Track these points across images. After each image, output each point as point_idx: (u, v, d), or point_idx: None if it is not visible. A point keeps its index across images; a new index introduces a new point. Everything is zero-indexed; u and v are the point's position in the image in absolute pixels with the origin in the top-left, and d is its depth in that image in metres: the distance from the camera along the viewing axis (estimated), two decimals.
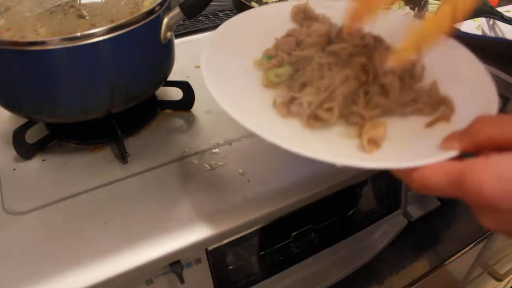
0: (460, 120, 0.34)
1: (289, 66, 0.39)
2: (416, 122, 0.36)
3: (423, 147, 0.31)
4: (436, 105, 0.36)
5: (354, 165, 0.29)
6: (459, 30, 0.50)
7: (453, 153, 0.28)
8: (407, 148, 0.33)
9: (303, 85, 0.37)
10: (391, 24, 0.43)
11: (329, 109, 0.35)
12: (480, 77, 0.37)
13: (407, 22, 0.44)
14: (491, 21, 0.75)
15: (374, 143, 0.33)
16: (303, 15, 0.46)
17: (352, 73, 0.36)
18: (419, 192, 0.29)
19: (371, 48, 0.40)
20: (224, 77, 0.37)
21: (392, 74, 0.37)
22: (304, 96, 0.36)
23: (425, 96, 0.37)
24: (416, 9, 0.70)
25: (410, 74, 0.39)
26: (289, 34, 0.43)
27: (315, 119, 0.35)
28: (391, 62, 0.36)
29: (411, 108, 0.37)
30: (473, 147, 0.27)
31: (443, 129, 0.33)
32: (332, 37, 0.41)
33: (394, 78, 0.37)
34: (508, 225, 0.25)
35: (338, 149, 0.34)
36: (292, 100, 0.37)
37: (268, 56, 0.42)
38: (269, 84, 0.39)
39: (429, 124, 0.35)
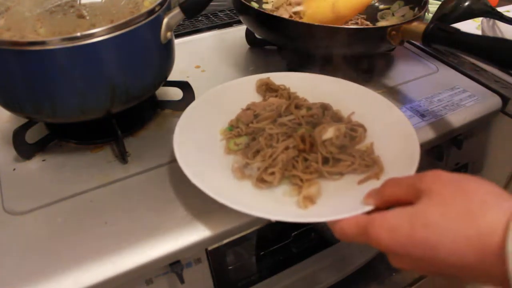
0: (389, 176, 0.40)
1: (246, 137, 0.48)
2: (350, 179, 0.43)
3: (351, 203, 0.37)
4: (369, 166, 0.43)
5: (286, 220, 0.37)
6: (459, 30, 0.50)
7: (367, 208, 0.35)
8: (338, 203, 0.39)
9: (256, 152, 0.45)
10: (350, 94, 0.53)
11: (272, 173, 0.42)
12: (409, 138, 0.45)
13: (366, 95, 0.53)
14: (491, 21, 0.75)
15: (309, 200, 0.40)
16: (265, 87, 0.55)
17: (292, 143, 0.44)
18: (341, 240, 0.36)
19: (317, 117, 0.48)
20: (194, 144, 0.46)
21: (331, 144, 0.44)
22: (254, 162, 0.44)
23: (361, 158, 0.44)
24: (416, 9, 0.70)
25: (351, 137, 0.47)
26: (248, 108, 0.51)
27: (262, 182, 0.43)
28: (330, 133, 0.45)
29: (347, 170, 0.44)
30: (382, 202, 0.35)
31: (372, 185, 0.40)
32: (282, 111, 0.49)
33: (332, 149, 0.44)
34: (407, 264, 0.32)
35: (279, 206, 0.41)
36: (246, 165, 0.44)
37: (230, 127, 0.50)
38: (230, 151, 0.47)
39: (361, 182, 0.42)
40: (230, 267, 0.48)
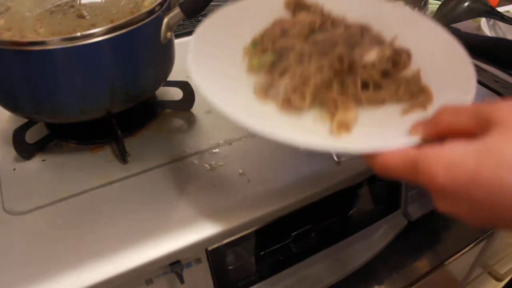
0: (437, 107, 0.34)
1: (272, 54, 0.40)
2: (393, 109, 0.36)
3: (392, 134, 0.32)
4: (416, 95, 0.37)
5: (316, 147, 0.30)
6: (459, 30, 0.50)
7: (414, 140, 0.30)
8: (377, 134, 0.33)
9: (283, 72, 0.38)
10: (390, 15, 0.44)
11: (302, 95, 0.36)
12: (462, 65, 0.38)
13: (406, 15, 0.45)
14: (491, 21, 0.75)
15: (344, 127, 0.34)
16: (295, 4, 0.46)
17: (327, 63, 0.37)
18: (382, 176, 0.30)
19: (356, 37, 0.41)
20: (212, 63, 0.38)
21: (372, 67, 0.37)
22: (280, 81, 0.37)
23: (406, 86, 0.37)
24: (416, 9, 0.70)
25: (394, 63, 0.39)
26: (275, 23, 0.44)
27: (289, 104, 0.36)
28: (373, 55, 0.37)
29: (389, 98, 0.37)
30: (435, 134, 0.29)
31: (418, 117, 0.34)
32: (315, 28, 0.42)
33: (374, 74, 0.37)
34: (459, 209, 0.27)
35: (307, 133, 0.34)
36: (270, 85, 0.38)
37: (254, 43, 0.43)
38: (252, 70, 0.40)
39: (405, 112, 0.36)
40: (230, 267, 0.48)
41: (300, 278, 0.54)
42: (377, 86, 0.37)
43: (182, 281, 0.44)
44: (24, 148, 0.51)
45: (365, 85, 0.37)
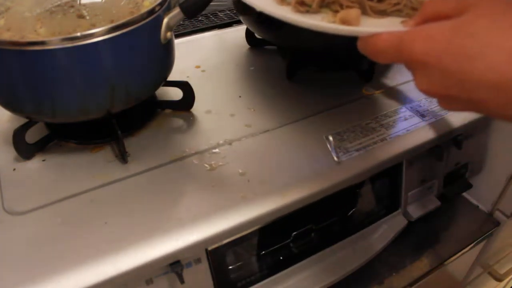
0: None
1: None
2: (393, 20, 0.40)
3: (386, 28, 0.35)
4: (416, 9, 0.40)
5: (317, 29, 0.37)
6: None
7: (403, 28, 0.32)
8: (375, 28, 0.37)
9: None
10: None
11: None
12: None
13: None
14: None
15: (346, 22, 0.38)
16: None
17: None
18: (372, 58, 0.34)
19: None
20: None
21: None
22: None
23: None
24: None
25: None
26: None
27: (301, 4, 0.41)
28: None
29: (391, 9, 0.40)
30: (422, 20, 0.32)
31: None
32: None
33: None
34: (435, 84, 0.29)
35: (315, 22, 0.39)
36: None
37: None
38: None
39: (404, 22, 0.38)
40: (230, 267, 0.48)
41: (300, 278, 0.54)
42: None
43: (182, 281, 0.44)
44: (24, 148, 0.51)
45: None
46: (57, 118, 0.48)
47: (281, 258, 0.52)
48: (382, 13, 0.41)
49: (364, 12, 0.40)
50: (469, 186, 0.69)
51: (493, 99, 0.27)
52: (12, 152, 0.51)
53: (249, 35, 0.74)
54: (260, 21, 0.63)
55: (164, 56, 0.53)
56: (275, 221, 0.47)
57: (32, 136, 0.51)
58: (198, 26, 0.84)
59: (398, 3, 0.40)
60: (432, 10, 0.31)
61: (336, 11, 0.40)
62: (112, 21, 0.45)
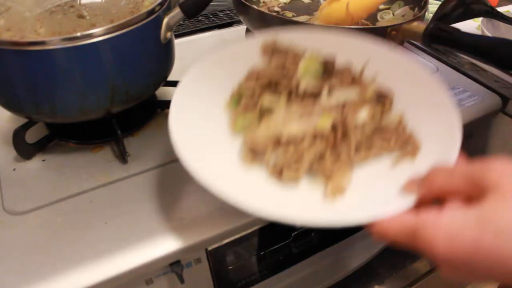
0: (425, 155, 0.35)
1: (254, 114, 0.39)
2: (383, 161, 0.36)
3: (387, 193, 0.31)
4: (404, 145, 0.37)
5: (313, 225, 0.30)
6: (459, 30, 0.50)
7: (410, 201, 0.30)
8: (372, 194, 0.33)
9: (270, 132, 0.37)
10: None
11: (295, 171, 0.35)
12: (444, 105, 0.37)
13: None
14: (491, 21, 0.74)
15: (339, 190, 0.33)
16: (272, 50, 0.45)
17: (320, 134, 0.36)
18: (380, 241, 0.30)
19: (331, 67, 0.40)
20: (194, 122, 0.37)
21: (362, 128, 0.37)
22: (270, 153, 0.36)
23: (395, 136, 0.37)
24: (416, 9, 0.70)
25: (381, 105, 0.39)
26: (250, 75, 0.43)
27: (280, 175, 0.35)
28: (364, 114, 0.37)
29: (382, 153, 0.37)
30: (429, 194, 0.30)
31: (406, 168, 0.34)
32: (277, 79, 0.40)
33: (365, 133, 0.36)
34: (462, 274, 0.27)
35: (300, 203, 0.33)
36: (258, 153, 0.36)
37: (234, 100, 0.41)
38: (237, 130, 0.39)
39: (395, 163, 0.36)
40: (230, 267, 0.48)
41: (300, 278, 0.54)
42: (369, 144, 0.37)
43: (182, 281, 0.44)
44: (24, 148, 0.51)
45: (357, 146, 0.37)
46: (57, 118, 0.48)
47: (281, 258, 0.52)
48: (372, 159, 0.37)
49: (352, 165, 0.36)
50: None
51: None
52: (12, 152, 0.51)
53: (249, 35, 0.74)
54: (260, 21, 0.63)
55: (164, 56, 0.53)
56: (275, 221, 0.47)
57: (32, 136, 0.51)
58: (198, 26, 0.84)
59: (387, 145, 0.37)
60: (441, 184, 0.29)
61: (323, 177, 0.35)
62: (112, 21, 0.45)
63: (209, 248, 0.45)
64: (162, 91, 0.62)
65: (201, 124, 0.38)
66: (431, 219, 0.27)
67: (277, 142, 0.36)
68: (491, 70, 0.68)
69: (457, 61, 0.71)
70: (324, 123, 0.36)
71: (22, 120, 0.51)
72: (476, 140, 0.66)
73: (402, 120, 0.38)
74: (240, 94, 0.41)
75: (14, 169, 0.50)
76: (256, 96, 0.40)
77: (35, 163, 0.51)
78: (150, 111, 0.58)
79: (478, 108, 0.60)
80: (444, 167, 0.31)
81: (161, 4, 0.48)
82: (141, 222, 0.43)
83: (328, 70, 0.42)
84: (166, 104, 0.59)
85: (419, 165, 0.33)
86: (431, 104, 0.38)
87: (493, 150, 0.68)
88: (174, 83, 0.58)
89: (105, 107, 0.48)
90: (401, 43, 0.59)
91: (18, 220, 0.44)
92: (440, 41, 0.52)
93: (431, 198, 0.30)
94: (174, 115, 0.37)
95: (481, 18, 0.74)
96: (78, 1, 0.48)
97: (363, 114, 0.37)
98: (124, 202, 0.45)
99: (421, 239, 0.26)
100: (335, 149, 0.36)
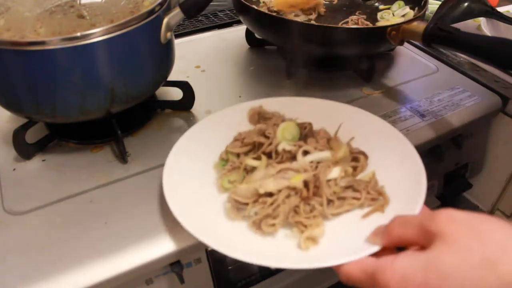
0: (394, 208, 0.39)
1: (240, 173, 0.44)
2: (354, 212, 0.41)
3: (356, 241, 0.36)
4: (375, 199, 0.41)
5: (287, 267, 0.35)
6: (459, 30, 0.50)
7: (374, 249, 0.34)
8: (342, 242, 0.37)
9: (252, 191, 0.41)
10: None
11: (272, 224, 0.39)
12: (412, 163, 0.43)
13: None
14: (491, 21, 0.75)
15: (312, 240, 0.38)
16: (258, 116, 0.52)
17: (294, 191, 0.41)
18: (345, 283, 0.34)
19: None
20: (185, 182, 0.43)
21: (335, 184, 0.42)
22: (251, 207, 0.40)
23: (365, 192, 0.41)
24: (416, 9, 0.70)
25: (353, 167, 0.44)
26: (236, 139, 0.48)
27: (259, 229, 0.39)
28: (336, 173, 0.42)
29: (353, 207, 0.41)
30: (389, 243, 0.33)
31: (377, 218, 0.39)
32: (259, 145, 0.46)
33: (337, 189, 0.41)
34: None
35: (277, 250, 0.38)
36: (240, 208, 0.41)
37: (222, 162, 0.47)
38: (223, 189, 0.44)
39: (365, 216, 0.40)
40: (230, 267, 0.48)
41: (300, 278, 0.54)
42: (341, 199, 0.41)
43: (182, 281, 0.44)
44: (24, 148, 0.51)
45: (329, 201, 0.41)
46: (57, 118, 0.48)
47: None
48: (343, 213, 0.41)
49: (326, 218, 0.40)
50: (469, 186, 0.69)
51: None
52: (12, 152, 0.51)
53: (249, 35, 0.74)
54: (260, 21, 0.63)
55: (164, 56, 0.53)
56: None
57: (32, 136, 0.51)
58: (198, 26, 0.84)
59: (358, 200, 0.41)
60: (398, 233, 0.33)
61: (298, 227, 0.39)
62: (112, 21, 0.45)
63: (209, 248, 0.45)
64: (162, 91, 0.62)
65: (192, 183, 0.44)
66: (388, 264, 0.30)
67: (257, 197, 0.41)
68: (491, 70, 0.68)
69: (457, 61, 0.71)
70: (297, 179, 0.41)
71: (22, 120, 0.51)
72: (476, 140, 0.66)
73: (373, 177, 0.43)
74: (227, 157, 0.47)
75: (14, 169, 0.50)
76: (241, 157, 0.46)
77: (35, 163, 0.51)
78: (150, 111, 0.59)
79: (478, 108, 0.61)
80: (402, 217, 0.34)
81: (161, 4, 0.48)
82: (141, 222, 0.43)
83: (304, 133, 0.48)
84: (166, 104, 0.60)
85: (387, 217, 0.36)
86: (401, 161, 0.44)
87: (493, 150, 0.68)
88: (174, 83, 0.58)
89: (105, 107, 0.48)
90: (400, 43, 0.59)
91: (18, 220, 0.44)
92: (440, 41, 0.52)
93: (392, 245, 0.33)
94: (168, 174, 0.43)
95: (481, 18, 0.74)
96: (78, 1, 0.48)
97: (335, 172, 0.42)
98: (124, 202, 0.45)
99: (379, 281, 0.30)
100: (309, 203, 0.40)
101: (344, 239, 0.38)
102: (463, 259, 0.27)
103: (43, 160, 0.51)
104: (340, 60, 0.68)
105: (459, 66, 0.70)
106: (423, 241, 0.30)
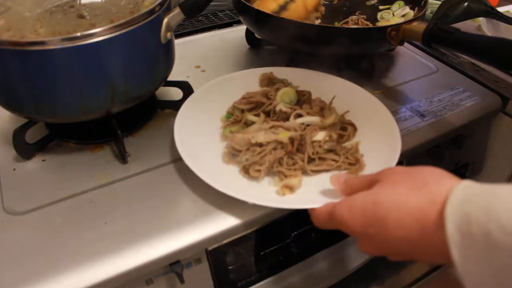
0: (367, 173, 0.45)
1: (241, 126, 0.52)
2: (332, 173, 0.47)
3: (324, 194, 0.43)
4: (352, 164, 0.47)
5: (260, 204, 0.42)
6: (459, 30, 0.50)
7: (336, 200, 0.39)
8: (315, 194, 0.44)
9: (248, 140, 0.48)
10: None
11: (258, 170, 0.46)
12: (393, 140, 0.48)
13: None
14: (491, 21, 0.75)
15: (289, 188, 0.44)
16: (267, 81, 0.59)
17: (280, 144, 0.47)
18: (316, 226, 0.40)
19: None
20: (194, 130, 0.50)
21: (318, 145, 0.48)
22: (243, 154, 0.47)
23: (344, 157, 0.47)
24: (416, 9, 0.70)
25: (340, 135, 0.51)
26: (243, 97, 0.56)
27: (247, 173, 0.46)
28: (321, 136, 0.48)
29: (330, 168, 0.47)
30: (350, 192, 0.39)
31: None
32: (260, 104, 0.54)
33: (319, 150, 0.48)
34: (370, 246, 0.35)
35: (259, 192, 0.45)
36: (235, 153, 0.48)
37: (228, 115, 0.55)
38: (224, 137, 0.52)
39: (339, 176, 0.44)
40: (230, 267, 0.48)
41: (300, 278, 0.54)
42: (321, 159, 0.48)
43: (182, 281, 0.44)
44: (24, 148, 0.51)
45: (311, 159, 0.47)
46: (57, 118, 0.48)
47: (281, 258, 0.52)
48: (322, 171, 0.47)
49: (306, 173, 0.47)
50: None
51: (411, 253, 0.32)
52: (12, 152, 0.51)
53: (249, 35, 0.74)
54: (260, 21, 0.63)
55: (164, 56, 0.53)
56: (275, 221, 0.47)
57: (32, 136, 0.51)
58: (198, 26, 0.84)
59: (336, 162, 0.47)
60: (354, 184, 0.40)
61: (280, 176, 0.46)
62: (112, 21, 0.45)
63: (209, 248, 0.45)
64: (162, 91, 0.62)
65: (200, 131, 0.51)
66: (343, 200, 0.37)
67: (249, 146, 0.48)
68: (491, 70, 0.68)
69: (457, 61, 0.71)
70: (284, 135, 0.48)
71: (22, 120, 0.51)
72: (476, 140, 0.66)
73: (356, 146, 0.49)
74: (233, 111, 0.55)
75: (14, 169, 0.50)
76: (244, 113, 0.54)
77: (35, 163, 0.51)
78: (150, 111, 0.59)
79: (478, 108, 0.61)
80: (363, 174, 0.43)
81: (161, 4, 0.48)
82: (141, 222, 0.43)
83: (302, 99, 0.55)
84: (166, 104, 0.60)
85: None
86: (384, 136, 0.50)
87: (493, 150, 0.68)
88: (174, 83, 0.58)
89: (105, 107, 0.48)
90: (400, 43, 0.59)
91: (18, 220, 0.44)
92: (440, 41, 0.52)
93: (350, 192, 0.39)
94: (179, 123, 0.50)
95: (481, 18, 0.74)
96: (78, 1, 0.48)
97: (320, 135, 0.48)
98: (124, 202, 0.45)
99: (336, 216, 0.37)
100: (292, 158, 0.47)
101: (317, 192, 0.44)
102: (393, 188, 0.34)
103: (43, 160, 0.51)
104: (341, 60, 0.68)
105: (459, 66, 0.70)
106: (370, 187, 0.36)
